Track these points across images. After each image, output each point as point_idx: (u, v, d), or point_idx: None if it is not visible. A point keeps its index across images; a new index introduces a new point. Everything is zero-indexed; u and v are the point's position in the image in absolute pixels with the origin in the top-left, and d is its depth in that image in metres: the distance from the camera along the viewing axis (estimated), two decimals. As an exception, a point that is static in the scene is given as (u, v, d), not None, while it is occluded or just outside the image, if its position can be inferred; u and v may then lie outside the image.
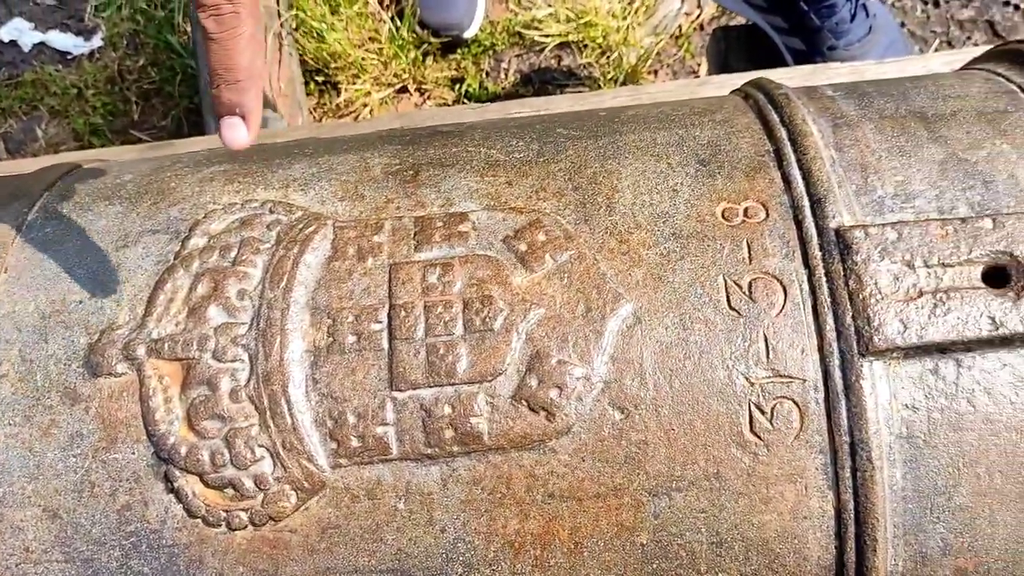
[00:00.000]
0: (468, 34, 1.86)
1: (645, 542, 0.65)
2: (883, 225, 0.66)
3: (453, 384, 0.65)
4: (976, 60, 0.90)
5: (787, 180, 0.71)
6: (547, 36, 1.88)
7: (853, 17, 1.42)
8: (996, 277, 0.64)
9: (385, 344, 0.66)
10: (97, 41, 1.94)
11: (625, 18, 1.89)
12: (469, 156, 0.77)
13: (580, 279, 0.68)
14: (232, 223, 0.74)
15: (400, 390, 0.65)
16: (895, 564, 0.64)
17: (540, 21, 1.89)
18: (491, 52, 1.90)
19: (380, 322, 0.67)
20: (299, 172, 0.78)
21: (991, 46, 0.90)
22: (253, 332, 0.67)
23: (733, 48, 1.51)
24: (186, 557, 0.66)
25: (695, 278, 0.67)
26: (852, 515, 0.63)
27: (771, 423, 0.64)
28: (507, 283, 0.68)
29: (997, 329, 0.62)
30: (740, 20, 1.66)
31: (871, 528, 0.63)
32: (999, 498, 0.63)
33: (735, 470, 0.64)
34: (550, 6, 1.89)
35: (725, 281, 0.67)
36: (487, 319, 0.66)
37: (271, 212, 0.74)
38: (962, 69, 0.90)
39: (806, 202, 0.69)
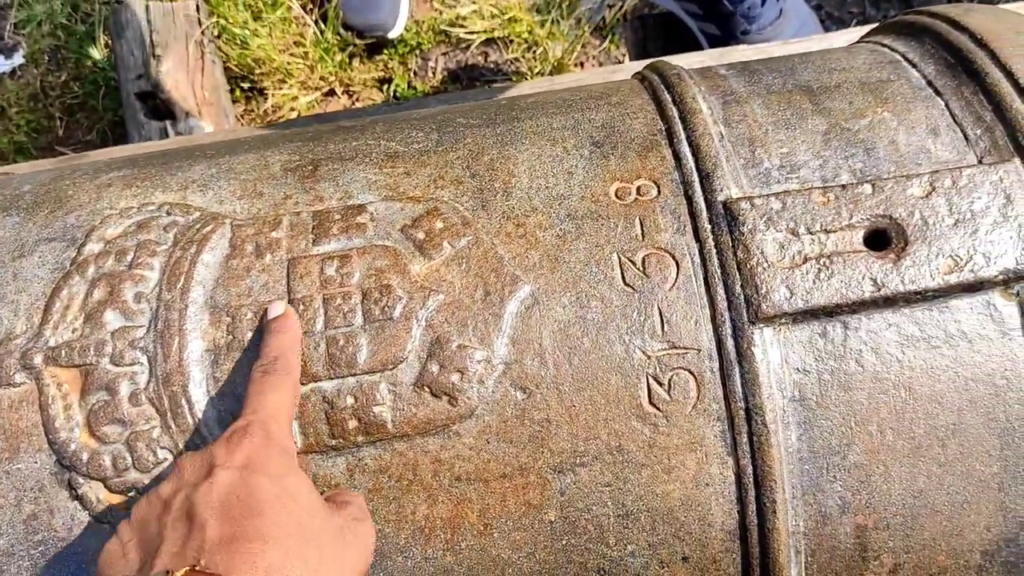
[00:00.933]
0: (393, 34, 1.86)
1: (553, 519, 0.66)
2: (768, 196, 0.67)
3: (354, 375, 0.65)
4: (867, 35, 0.93)
5: (678, 157, 0.72)
6: (472, 33, 1.89)
7: (763, 2, 1.44)
8: (877, 240, 0.66)
9: (285, 339, 0.66)
10: (18, 59, 1.91)
11: (549, 11, 1.91)
12: (369, 149, 0.78)
13: (478, 264, 0.68)
14: (128, 227, 0.73)
15: (302, 384, 0.65)
16: (796, 524, 0.65)
17: (464, 18, 1.89)
18: (418, 51, 1.90)
19: (279, 317, 0.67)
20: (198, 174, 0.78)
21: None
22: (151, 335, 0.67)
23: (651, 36, 1.52)
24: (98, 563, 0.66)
25: (590, 257, 0.68)
26: (751, 479, 0.65)
27: (669, 394, 0.65)
28: (405, 271, 0.68)
29: (879, 290, 0.64)
30: (659, 9, 1.68)
31: (770, 491, 0.64)
32: (892, 454, 0.65)
33: (636, 442, 0.65)
34: (474, 3, 1.90)
35: (619, 258, 0.68)
36: (386, 308, 0.67)
37: (168, 214, 0.74)
38: (853, 44, 0.92)
39: (695, 177, 0.70)
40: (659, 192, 0.70)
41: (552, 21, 1.91)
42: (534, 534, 0.66)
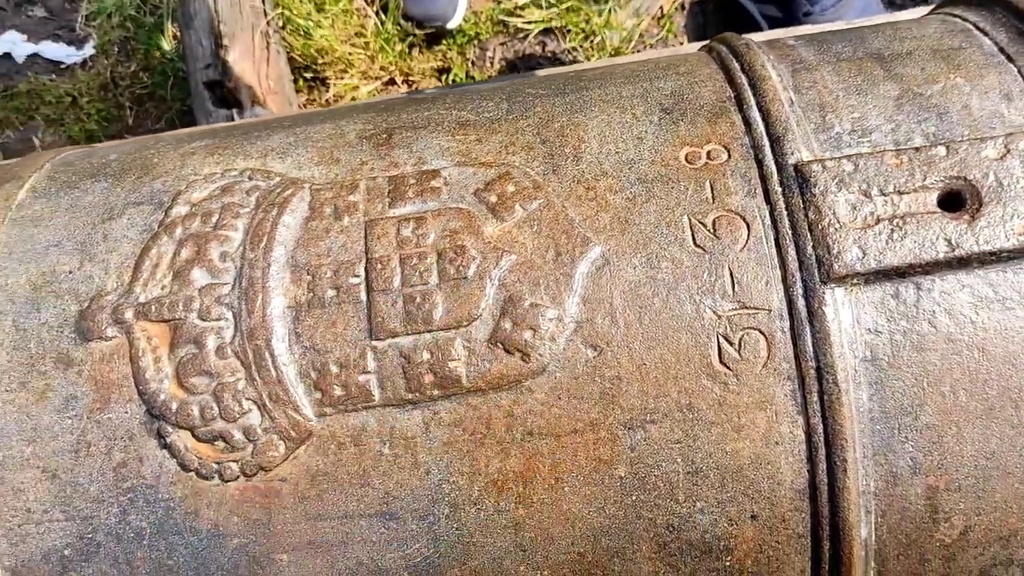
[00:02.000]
0: (452, 24, 1.89)
1: (623, 475, 0.67)
2: (840, 158, 0.68)
3: (430, 331, 0.67)
4: (935, 8, 0.92)
5: (747, 122, 0.73)
6: (530, 23, 1.90)
7: (826, -17, 1.44)
8: (951, 202, 0.66)
9: (363, 296, 0.69)
10: (89, 49, 1.97)
11: (607, 2, 1.92)
12: (441, 118, 0.80)
13: (549, 225, 0.70)
14: (213, 191, 0.76)
15: (379, 339, 0.67)
16: (866, 484, 0.66)
17: (522, 8, 1.91)
18: (476, 41, 1.92)
19: (358, 276, 0.69)
20: (277, 142, 0.81)
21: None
22: (236, 291, 0.70)
23: (711, 21, 1.53)
24: (182, 510, 0.69)
25: (660, 219, 0.69)
26: (822, 438, 0.65)
27: (739, 353, 0.66)
28: (479, 233, 0.70)
29: (953, 251, 0.64)
30: (717, -6, 1.69)
31: (840, 449, 0.65)
32: (965, 415, 0.65)
33: (707, 400, 0.66)
34: (532, -7, 1.92)
35: (690, 220, 0.69)
36: (461, 267, 0.68)
37: (250, 179, 0.77)
38: (922, 16, 0.92)
39: (766, 142, 0.71)
40: (729, 156, 0.71)
41: (610, 10, 1.92)
42: (604, 489, 0.67)
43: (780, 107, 0.72)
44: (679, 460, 0.67)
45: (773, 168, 0.69)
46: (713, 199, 0.69)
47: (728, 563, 0.68)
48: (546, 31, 1.91)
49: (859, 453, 0.65)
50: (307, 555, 0.69)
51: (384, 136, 0.79)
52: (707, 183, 0.70)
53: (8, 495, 0.70)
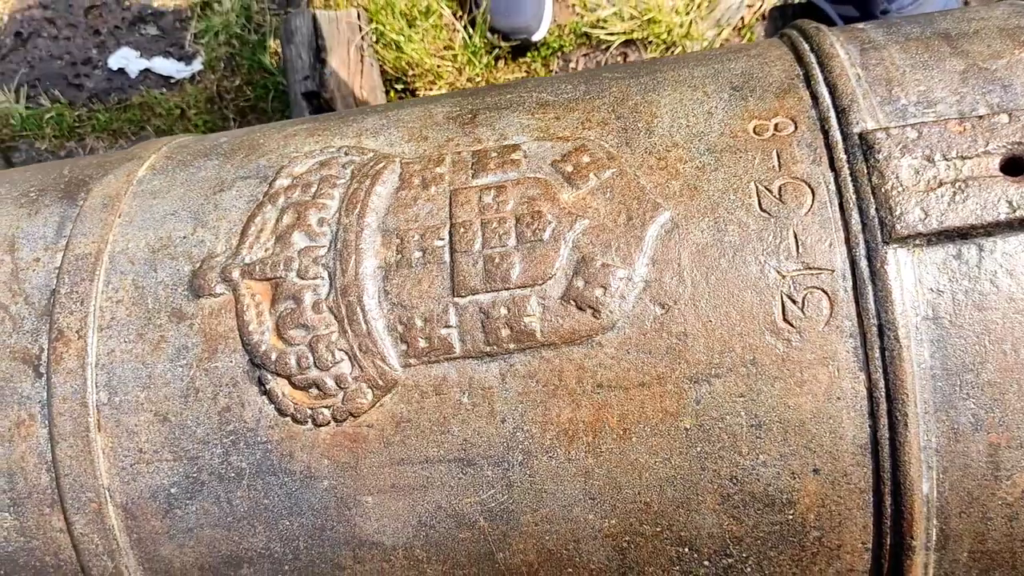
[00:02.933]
0: (536, 37, 1.95)
1: (689, 427, 0.70)
2: (904, 126, 0.70)
3: (508, 288, 0.72)
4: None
5: (815, 96, 0.76)
6: (612, 35, 1.95)
7: (905, -17, 1.45)
8: (1013, 167, 0.68)
9: (447, 257, 0.74)
10: (197, 65, 2.11)
11: (688, 13, 1.96)
12: (522, 100, 0.85)
13: (621, 192, 0.74)
14: (312, 165, 0.83)
15: (461, 296, 0.73)
16: (927, 440, 0.67)
17: (605, 21, 1.97)
18: (559, 53, 1.98)
19: (442, 239, 0.75)
20: (371, 124, 0.87)
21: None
22: (332, 253, 0.76)
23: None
24: (278, 452, 0.75)
25: (728, 186, 0.73)
26: (883, 393, 0.67)
27: (802, 311, 0.69)
28: (555, 199, 0.75)
29: (1014, 212, 0.66)
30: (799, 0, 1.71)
31: (901, 404, 0.67)
32: None
33: (770, 356, 0.69)
34: (613, 5, 1.97)
35: (756, 187, 0.72)
36: (537, 231, 0.73)
37: (346, 155, 0.83)
38: (992, 3, 0.93)
39: (832, 113, 0.74)
40: (796, 128, 0.74)
41: (691, 21, 1.95)
42: (670, 440, 0.71)
43: (847, 81, 0.75)
44: (742, 413, 0.69)
45: (838, 137, 0.72)
46: (779, 167, 0.73)
47: (791, 516, 0.71)
48: (627, 42, 1.96)
49: (920, 408, 0.67)
50: (390, 498, 0.74)
51: (469, 116, 0.84)
52: (774, 152, 0.73)
53: (123, 436, 0.77)
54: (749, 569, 0.74)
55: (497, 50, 1.97)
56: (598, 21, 1.97)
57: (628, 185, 0.74)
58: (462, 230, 0.75)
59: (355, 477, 0.74)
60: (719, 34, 1.91)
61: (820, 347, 0.68)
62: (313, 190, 0.80)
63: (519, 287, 0.72)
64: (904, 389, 0.66)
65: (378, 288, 0.74)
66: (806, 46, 0.81)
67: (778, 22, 1.62)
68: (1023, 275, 0.66)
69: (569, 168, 0.76)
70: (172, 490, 0.77)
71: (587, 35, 1.98)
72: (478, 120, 0.84)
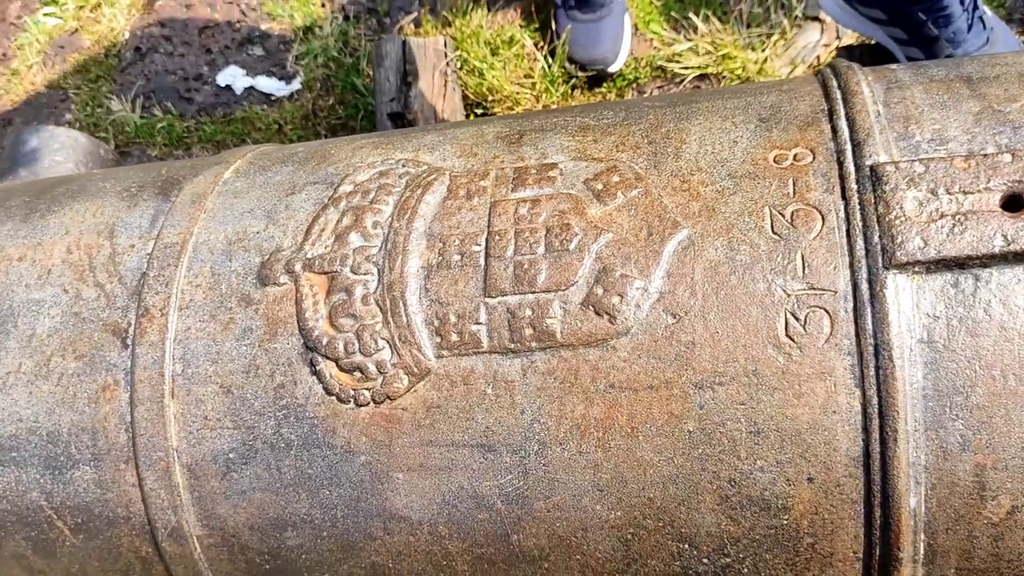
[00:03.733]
0: (613, 68, 2.03)
1: (692, 429, 0.76)
2: (912, 160, 0.75)
3: (534, 292, 0.79)
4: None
5: (835, 130, 0.81)
6: (686, 68, 2.01)
7: (970, 28, 1.46)
8: (1013, 204, 0.72)
9: (482, 261, 0.82)
10: (296, 85, 2.26)
11: (763, 50, 2.00)
12: (566, 123, 0.93)
13: (645, 210, 0.81)
14: (373, 175, 0.92)
15: (491, 296, 0.80)
16: (916, 456, 0.71)
17: (680, 55, 2.03)
18: (634, 84, 2.05)
19: (479, 245, 0.83)
20: (429, 140, 0.96)
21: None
22: (382, 252, 0.85)
23: (857, 65, 1.58)
24: (323, 428, 0.83)
25: (744, 209, 0.78)
26: (876, 409, 0.71)
27: (804, 328, 0.74)
28: (584, 214, 0.82)
29: (1009, 245, 0.70)
30: (868, 39, 1.73)
31: (892, 420, 0.71)
32: (1014, 399, 0.70)
33: (771, 368, 0.74)
34: (690, 40, 2.03)
35: (770, 211, 0.78)
36: (564, 241, 0.80)
37: (403, 167, 0.92)
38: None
39: (848, 146, 0.79)
40: (814, 158, 0.80)
41: (766, 58, 2.00)
42: (674, 441, 0.76)
43: (866, 117, 0.80)
44: (743, 420, 0.75)
45: (852, 168, 0.77)
46: (794, 194, 0.78)
47: (785, 521, 0.75)
48: (702, 76, 2.02)
49: (910, 426, 0.71)
50: (419, 476, 0.82)
51: (516, 136, 0.92)
52: (790, 180, 0.79)
53: (192, 404, 0.87)
54: (746, 570, 0.78)
55: (574, 80, 2.05)
56: (673, 55, 2.04)
57: (652, 204, 0.81)
58: (497, 237, 0.82)
59: (388, 455, 0.82)
60: (792, 71, 1.95)
61: (819, 362, 0.73)
62: (371, 196, 0.89)
63: (544, 291, 0.79)
64: (896, 406, 0.71)
65: (420, 285, 0.83)
66: (835, 83, 0.87)
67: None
68: (1016, 305, 0.70)
69: (599, 186, 0.83)
70: (230, 455, 0.86)
71: (662, 68, 2.05)
72: (524, 140, 0.91)
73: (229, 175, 1.00)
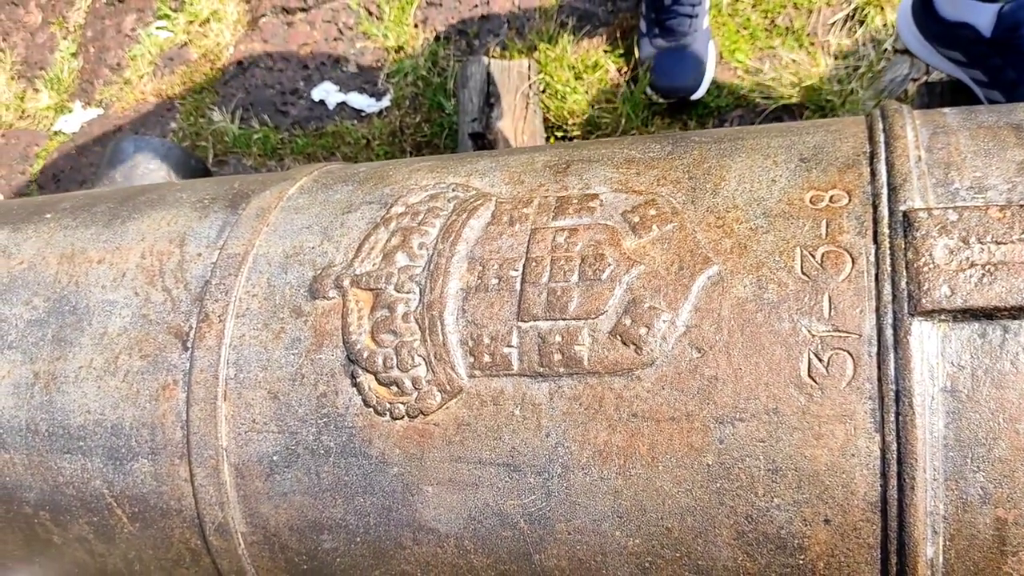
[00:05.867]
0: (695, 96, 2.03)
1: (711, 463, 0.77)
2: (946, 208, 0.74)
3: (564, 319, 0.82)
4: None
5: (873, 173, 0.81)
6: (769, 99, 2.00)
7: (1054, 71, 1.42)
8: (1050, 256, 0.71)
9: (518, 286, 0.85)
10: (386, 102, 2.34)
11: (850, 82, 1.97)
12: (612, 154, 0.95)
13: (678, 245, 0.82)
14: (424, 197, 0.96)
15: (524, 321, 0.83)
16: (935, 505, 0.70)
17: (764, 85, 2.02)
18: (716, 113, 2.05)
19: (516, 270, 0.86)
20: (481, 166, 1.00)
21: None
22: (425, 272, 0.89)
23: (936, 103, 1.55)
24: (360, 438, 0.88)
25: (775, 248, 0.79)
26: (895, 455, 0.71)
27: (827, 369, 0.74)
28: (618, 245, 0.84)
29: (1040, 298, 0.68)
30: (949, 76, 1.69)
31: (910, 468, 0.70)
32: None
33: (792, 407, 0.74)
34: (775, 70, 2.02)
35: (801, 252, 0.78)
36: (597, 271, 0.83)
37: (453, 191, 0.96)
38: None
39: (884, 190, 0.79)
40: (849, 201, 0.80)
41: (852, 92, 1.97)
42: (693, 473, 0.77)
43: (905, 162, 0.80)
44: (761, 457, 0.75)
45: (886, 213, 0.77)
46: (826, 235, 0.78)
47: (801, 561, 0.75)
48: (784, 107, 2.00)
49: (929, 475, 0.70)
50: (447, 490, 0.85)
51: (563, 165, 0.95)
52: (823, 221, 0.79)
53: (242, 407, 0.92)
54: (762, 607, 0.79)
55: (655, 106, 2.06)
56: (757, 85, 2.03)
57: (685, 239, 0.82)
58: (534, 264, 0.85)
59: (420, 467, 0.86)
60: (876, 105, 1.92)
61: (840, 405, 0.73)
62: (420, 218, 0.93)
63: (574, 318, 0.82)
64: (914, 454, 0.70)
65: (458, 306, 0.86)
66: (880, 126, 0.86)
67: (924, 98, 1.62)
68: (1045, 360, 0.69)
69: (636, 218, 0.85)
70: (274, 457, 0.91)
71: (745, 98, 2.04)
72: (570, 170, 0.94)
73: (294, 191, 1.06)
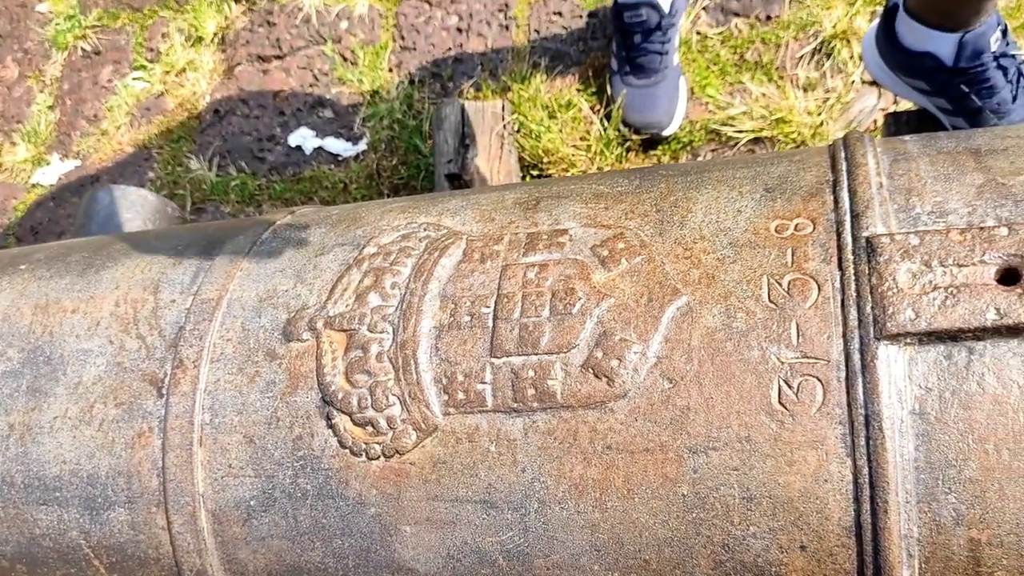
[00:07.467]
0: (668, 132, 2.06)
1: (686, 493, 0.77)
2: (908, 233, 0.76)
3: (537, 353, 0.82)
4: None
5: (837, 201, 0.82)
6: (741, 132, 2.03)
7: (1015, 98, 1.45)
8: (1009, 278, 0.72)
9: (490, 323, 0.85)
10: (362, 145, 2.35)
11: (819, 114, 2.01)
12: (581, 190, 0.96)
13: (647, 277, 0.83)
14: (396, 237, 0.97)
15: (497, 357, 0.83)
16: (909, 528, 0.71)
17: (735, 119, 2.05)
18: (688, 147, 2.08)
19: (488, 307, 0.86)
20: (452, 205, 1.01)
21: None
22: (398, 312, 0.89)
23: (904, 132, 1.58)
24: (337, 479, 0.87)
25: (743, 277, 0.80)
26: (867, 479, 0.71)
27: (797, 396, 0.74)
28: (588, 279, 0.84)
29: (1001, 319, 0.70)
30: (916, 106, 1.72)
31: (883, 492, 0.71)
32: (1007, 473, 0.69)
33: (763, 435, 0.75)
34: (745, 104, 2.05)
35: (768, 280, 0.79)
36: (568, 305, 0.83)
37: (425, 230, 0.97)
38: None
39: (848, 217, 0.80)
40: (814, 228, 0.81)
41: (821, 123, 2.00)
42: (669, 504, 0.77)
43: (867, 189, 0.81)
44: (735, 486, 0.75)
45: (849, 240, 0.78)
46: (792, 263, 0.79)
47: (779, 589, 0.75)
48: (756, 140, 2.03)
49: (901, 498, 0.71)
50: (425, 529, 0.85)
51: (533, 202, 0.96)
52: (789, 250, 0.80)
53: (218, 452, 0.92)
54: (743, 637, 0.78)
55: (629, 142, 2.09)
56: (728, 119, 2.06)
57: (654, 271, 0.83)
58: (506, 300, 0.86)
59: (397, 508, 0.85)
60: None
61: (811, 431, 0.74)
62: (392, 258, 0.94)
63: (546, 353, 0.82)
64: (886, 477, 0.71)
65: (431, 345, 0.86)
66: (842, 154, 0.88)
67: (891, 127, 1.65)
68: (1009, 379, 0.70)
69: (605, 252, 0.86)
70: (251, 502, 0.91)
71: (717, 132, 2.07)
72: (539, 206, 0.95)
73: (267, 235, 1.06)
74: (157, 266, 1.06)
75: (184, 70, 2.57)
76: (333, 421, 0.87)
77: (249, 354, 0.94)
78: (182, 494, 0.92)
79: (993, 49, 1.46)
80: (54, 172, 2.57)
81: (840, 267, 0.77)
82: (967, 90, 1.46)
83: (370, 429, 0.86)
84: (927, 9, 1.46)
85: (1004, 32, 1.49)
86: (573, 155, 2.09)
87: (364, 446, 0.86)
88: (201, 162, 2.41)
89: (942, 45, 1.48)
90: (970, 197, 0.78)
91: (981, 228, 0.74)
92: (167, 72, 2.59)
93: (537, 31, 2.34)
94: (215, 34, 2.61)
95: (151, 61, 2.63)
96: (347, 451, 0.87)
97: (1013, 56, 1.51)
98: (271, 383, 0.91)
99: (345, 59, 2.47)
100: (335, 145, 2.37)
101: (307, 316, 0.93)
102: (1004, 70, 1.48)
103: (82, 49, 2.73)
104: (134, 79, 2.60)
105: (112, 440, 0.95)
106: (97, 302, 1.04)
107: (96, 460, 0.96)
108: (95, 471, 0.96)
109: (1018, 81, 1.46)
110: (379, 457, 0.86)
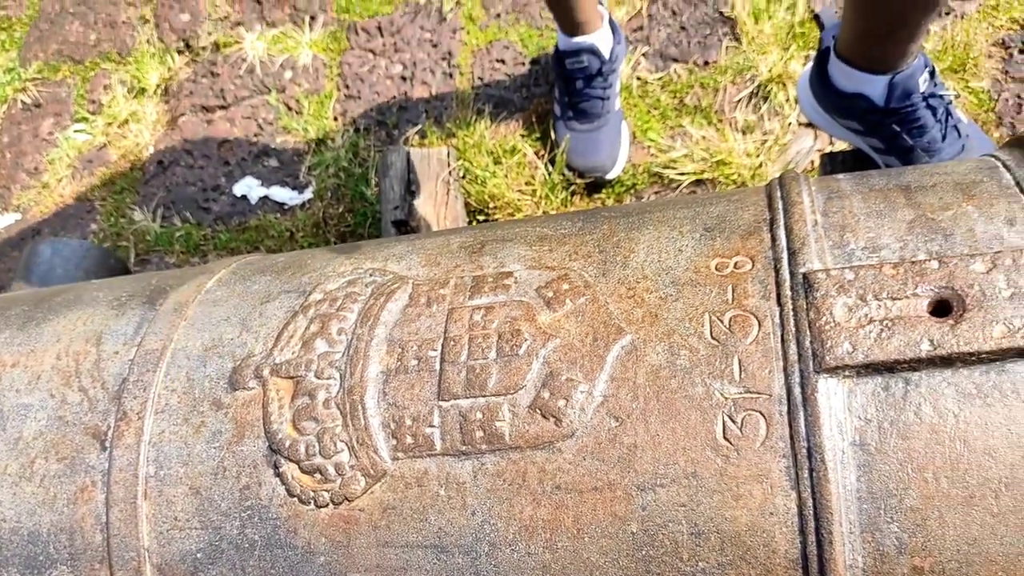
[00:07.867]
0: (611, 175, 2.10)
1: (635, 530, 0.77)
2: (843, 268, 0.78)
3: (484, 395, 0.82)
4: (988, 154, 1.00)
5: (774, 239, 0.85)
6: (683, 174, 2.08)
7: (944, 137, 1.51)
8: (941, 310, 0.74)
9: (437, 366, 0.85)
10: (308, 194, 2.35)
11: (758, 156, 2.06)
12: (526, 233, 0.97)
13: (591, 317, 0.84)
14: (342, 283, 0.97)
15: (445, 400, 0.83)
16: (854, 559, 0.72)
17: (676, 161, 2.09)
18: (632, 190, 2.11)
19: (435, 350, 0.86)
20: (398, 250, 1.01)
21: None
22: (345, 358, 0.89)
23: (839, 171, 1.63)
24: (285, 528, 0.86)
25: (685, 315, 0.82)
26: (812, 511, 0.73)
27: (741, 431, 0.76)
28: (534, 320, 0.85)
29: (935, 350, 0.72)
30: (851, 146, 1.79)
31: (827, 523, 0.72)
32: (947, 501, 0.70)
33: (709, 470, 0.76)
34: (686, 147, 2.10)
35: (710, 317, 0.81)
36: (514, 346, 0.84)
37: (371, 276, 0.97)
38: (968, 158, 1.00)
39: (785, 254, 0.82)
40: (753, 266, 0.83)
41: (760, 164, 2.06)
42: (619, 542, 0.78)
43: (803, 226, 0.84)
44: (684, 522, 0.76)
45: (787, 276, 0.80)
46: (732, 300, 0.81)
47: (730, 625, 0.76)
48: (697, 182, 2.08)
49: (845, 528, 0.72)
50: (375, 577, 0.83)
51: (478, 246, 0.97)
52: (729, 287, 0.82)
53: (163, 505, 0.90)
54: (697, 675, 0.78)
55: (573, 186, 2.12)
56: (670, 162, 2.11)
57: (598, 310, 0.84)
58: (452, 343, 0.86)
59: (347, 555, 0.84)
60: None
61: (756, 465, 0.75)
62: (338, 304, 0.94)
63: (494, 395, 0.82)
64: (829, 508, 0.72)
65: (378, 390, 0.86)
66: (779, 193, 0.91)
67: (827, 167, 1.70)
68: (945, 408, 0.72)
69: (550, 294, 0.87)
70: (198, 555, 0.88)
71: (659, 174, 2.11)
72: (484, 250, 0.96)
73: (212, 284, 1.05)
74: (99, 317, 1.05)
75: (127, 121, 2.55)
76: (280, 469, 0.86)
77: (195, 404, 0.92)
78: (126, 549, 0.90)
79: (922, 90, 1.53)
80: (-8, 225, 2.52)
81: (779, 303, 0.79)
82: (899, 129, 1.52)
83: (318, 476, 0.85)
84: (856, 53, 1.52)
85: (932, 73, 1.55)
86: (519, 200, 2.11)
87: (312, 494, 0.85)
88: (145, 213, 2.38)
89: (873, 87, 1.55)
90: (902, 232, 0.81)
91: (913, 262, 0.76)
92: (109, 124, 2.57)
93: (481, 78, 2.38)
94: (158, 85, 2.61)
95: (93, 113, 2.61)
96: (295, 499, 0.86)
97: (941, 96, 1.57)
98: (217, 433, 0.90)
99: (290, 108, 2.48)
100: (281, 194, 2.37)
101: (253, 364, 0.92)
102: (933, 110, 1.55)
103: (22, 102, 2.69)
104: (76, 131, 2.57)
105: (54, 496, 0.93)
106: (38, 355, 1.02)
107: (37, 517, 0.93)
108: (36, 528, 0.93)
109: (947, 120, 1.53)
110: (328, 504, 0.85)
